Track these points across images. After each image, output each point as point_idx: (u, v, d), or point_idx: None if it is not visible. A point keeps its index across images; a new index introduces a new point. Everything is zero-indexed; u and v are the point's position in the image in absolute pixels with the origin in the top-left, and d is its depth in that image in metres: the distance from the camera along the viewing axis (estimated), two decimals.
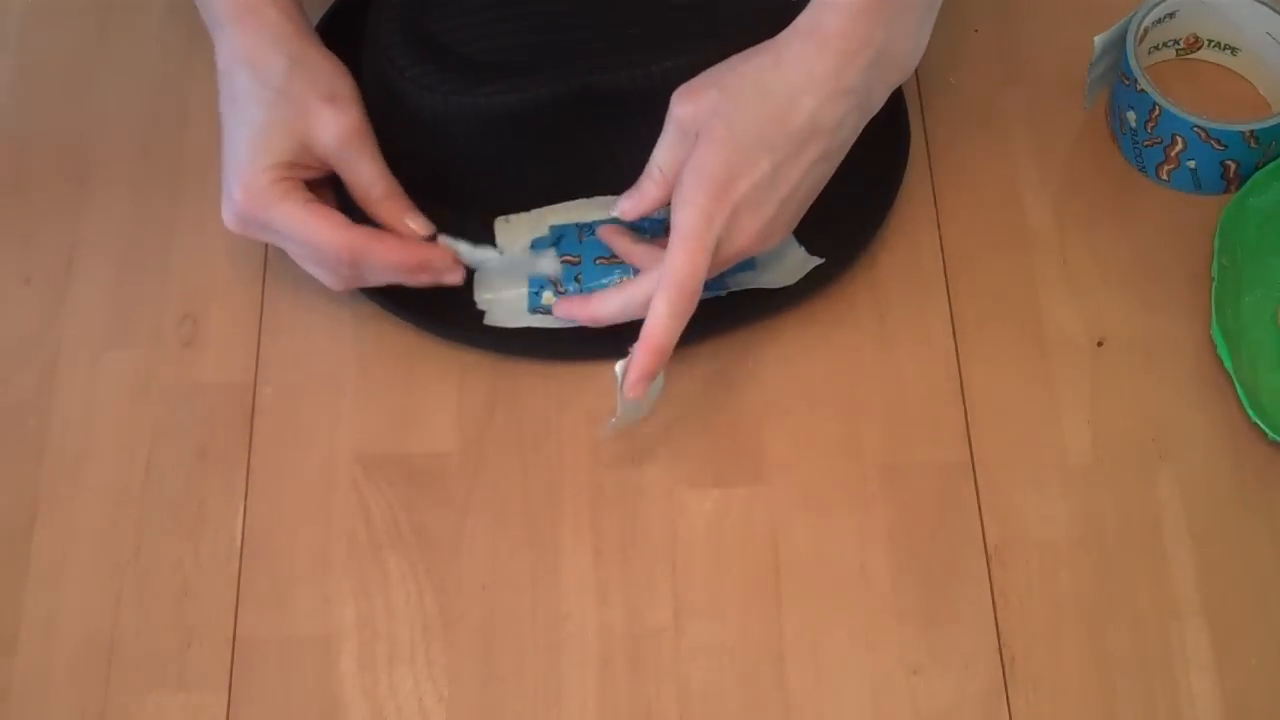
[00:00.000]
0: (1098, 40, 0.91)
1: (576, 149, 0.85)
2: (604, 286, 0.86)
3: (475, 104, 0.82)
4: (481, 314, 0.87)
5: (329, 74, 0.83)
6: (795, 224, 0.82)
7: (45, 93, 0.98)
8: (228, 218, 0.83)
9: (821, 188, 0.81)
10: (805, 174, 0.79)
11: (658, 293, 0.78)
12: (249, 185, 0.81)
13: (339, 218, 0.82)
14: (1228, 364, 0.85)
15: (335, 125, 0.81)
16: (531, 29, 0.85)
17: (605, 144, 0.84)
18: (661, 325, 0.78)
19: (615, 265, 0.86)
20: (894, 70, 0.80)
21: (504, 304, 0.87)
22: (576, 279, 0.86)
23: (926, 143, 0.94)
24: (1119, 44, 0.91)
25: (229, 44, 0.83)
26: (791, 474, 0.85)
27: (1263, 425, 0.83)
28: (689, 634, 0.81)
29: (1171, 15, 0.94)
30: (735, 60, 0.79)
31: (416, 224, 0.84)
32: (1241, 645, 0.80)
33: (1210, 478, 0.84)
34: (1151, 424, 0.86)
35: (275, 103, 0.81)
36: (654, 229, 0.85)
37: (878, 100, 0.81)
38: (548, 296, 0.87)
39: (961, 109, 0.96)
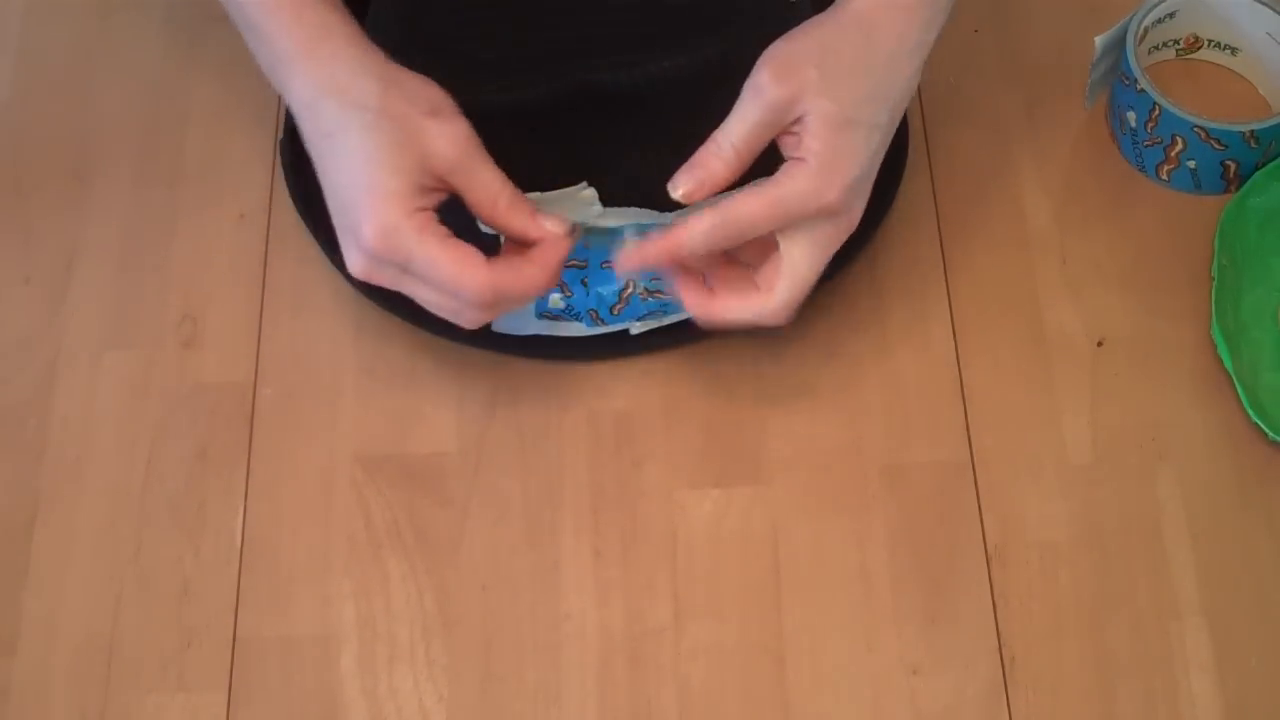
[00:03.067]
0: (1098, 40, 0.91)
1: (575, 147, 0.85)
2: (610, 291, 0.86)
3: (474, 103, 0.82)
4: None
5: (423, 87, 0.76)
6: None
7: (45, 92, 0.98)
8: (357, 263, 0.75)
9: None
10: (887, 140, 0.78)
11: (710, 211, 0.75)
12: (383, 224, 0.73)
13: (478, 255, 0.75)
14: (1228, 364, 0.85)
15: (449, 136, 0.74)
16: (529, 27, 0.85)
17: (604, 142, 0.84)
18: (690, 238, 0.76)
19: None
20: (946, 18, 0.80)
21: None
22: (583, 282, 0.86)
23: (926, 143, 0.94)
24: (1119, 44, 0.91)
25: (306, 78, 0.75)
26: (791, 474, 0.85)
27: (1263, 425, 0.83)
28: (689, 634, 0.81)
29: (1171, 15, 0.94)
30: (824, 38, 0.76)
31: (552, 224, 0.77)
32: (1241, 645, 0.80)
33: (1210, 478, 0.84)
34: (1151, 424, 0.86)
35: (379, 124, 0.74)
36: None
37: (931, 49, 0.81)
38: (555, 299, 0.87)
39: (961, 109, 0.96)
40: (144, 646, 0.81)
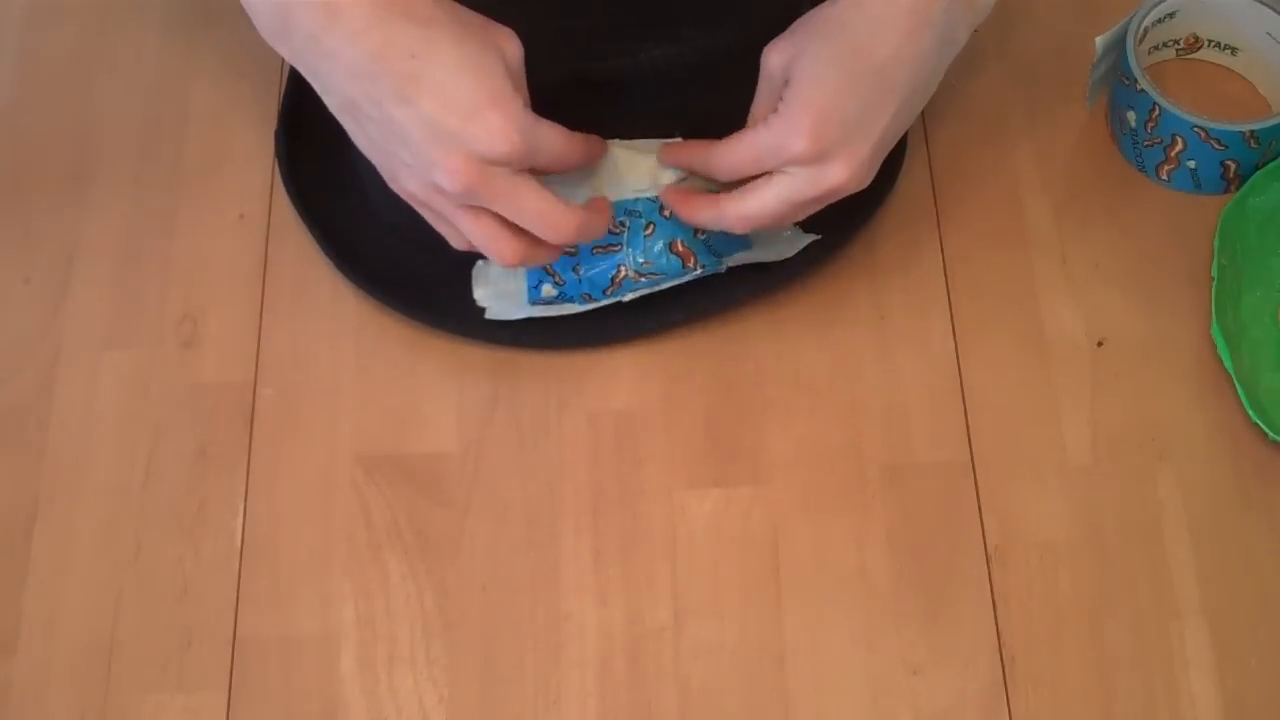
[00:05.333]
0: (1099, 41, 0.91)
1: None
2: (602, 272, 0.86)
3: None
4: (481, 310, 0.87)
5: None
6: (879, 165, 0.81)
7: (45, 93, 0.98)
8: (465, 176, 0.73)
9: (905, 130, 0.81)
10: (896, 112, 0.79)
11: (702, 144, 0.81)
12: (520, 124, 0.72)
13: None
14: (1228, 364, 0.85)
15: (511, 35, 0.76)
16: (523, 16, 0.85)
17: (599, 129, 0.84)
18: (689, 160, 0.82)
19: (612, 253, 0.86)
20: (974, 9, 0.80)
21: (504, 297, 0.87)
22: (575, 270, 0.86)
23: (926, 143, 0.94)
24: (1119, 44, 0.91)
25: (362, 3, 0.73)
26: (791, 474, 0.85)
27: (1263, 425, 0.83)
28: (689, 634, 0.81)
29: (1171, 15, 0.94)
30: (819, 8, 0.79)
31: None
32: (1241, 645, 0.80)
33: (1210, 478, 0.84)
34: (1151, 424, 0.86)
35: (466, 38, 0.73)
36: (649, 211, 0.85)
37: (960, 39, 0.80)
38: (547, 289, 0.87)
39: (961, 109, 0.96)
40: (144, 646, 0.81)
